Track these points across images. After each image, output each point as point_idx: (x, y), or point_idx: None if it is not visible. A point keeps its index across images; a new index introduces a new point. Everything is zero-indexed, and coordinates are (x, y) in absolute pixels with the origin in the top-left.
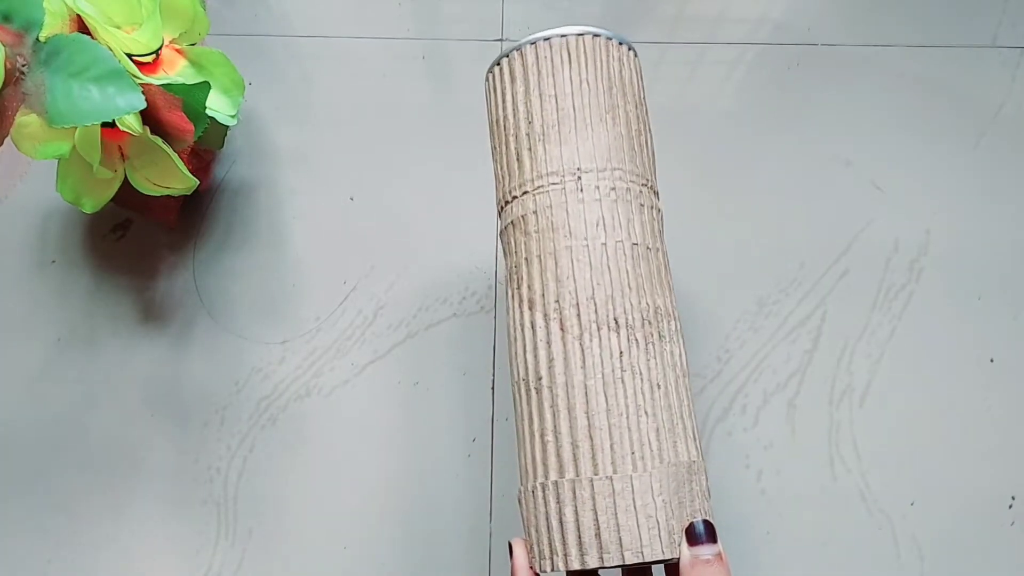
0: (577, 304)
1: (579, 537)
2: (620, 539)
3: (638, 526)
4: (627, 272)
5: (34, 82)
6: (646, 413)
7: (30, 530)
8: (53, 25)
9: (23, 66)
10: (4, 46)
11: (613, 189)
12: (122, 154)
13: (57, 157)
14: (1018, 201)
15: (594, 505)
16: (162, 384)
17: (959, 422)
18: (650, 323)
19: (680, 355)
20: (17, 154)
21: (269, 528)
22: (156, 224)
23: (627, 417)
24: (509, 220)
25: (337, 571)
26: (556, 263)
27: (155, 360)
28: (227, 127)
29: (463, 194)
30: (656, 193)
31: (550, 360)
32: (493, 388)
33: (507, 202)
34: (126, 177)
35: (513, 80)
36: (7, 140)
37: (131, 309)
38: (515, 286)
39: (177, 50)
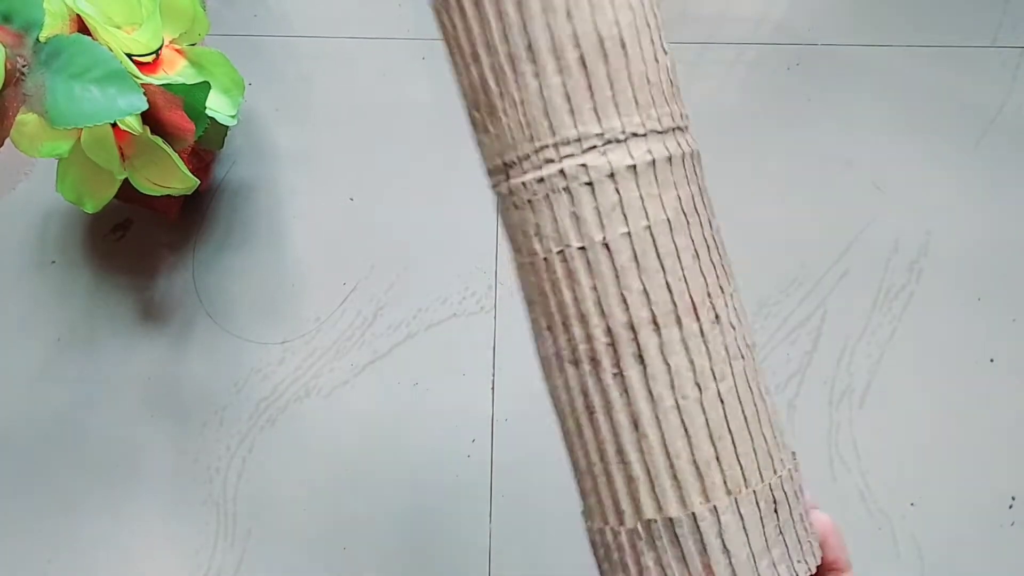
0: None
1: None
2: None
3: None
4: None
5: (35, 83)
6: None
7: (29, 529)
8: (53, 26)
9: (23, 67)
10: (4, 47)
11: (648, 151)
12: (123, 154)
13: (57, 156)
14: (1018, 201)
15: (659, 555)
16: (162, 384)
17: (959, 423)
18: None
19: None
20: (18, 154)
21: (268, 528)
22: (156, 222)
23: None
24: (514, 194)
25: (337, 572)
26: (589, 264)
27: (155, 360)
28: (227, 127)
29: (463, 194)
30: (681, 128)
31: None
32: (493, 388)
33: (509, 167)
34: (127, 176)
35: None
36: (7, 140)
37: (131, 309)
38: (539, 309)
39: (177, 50)
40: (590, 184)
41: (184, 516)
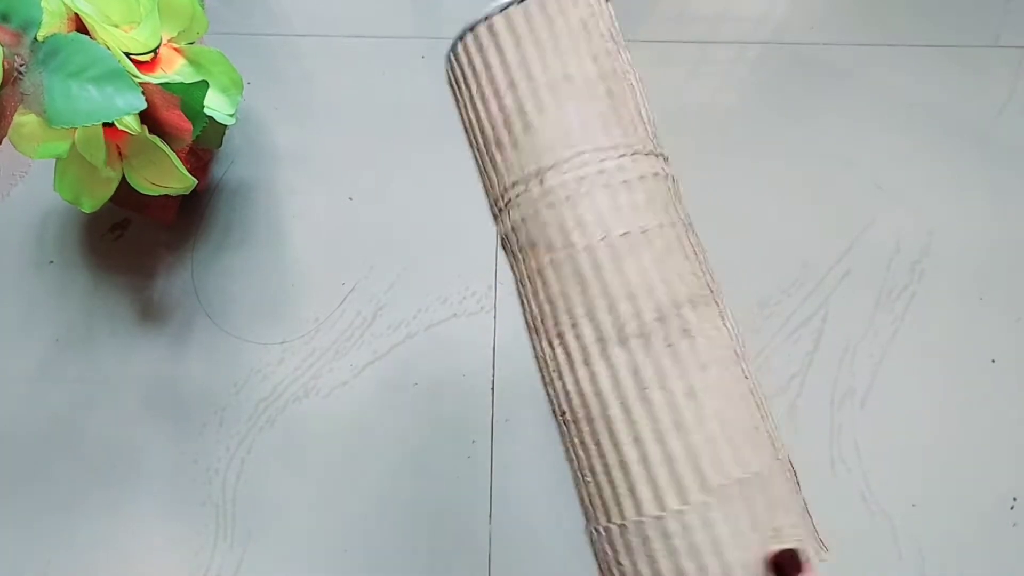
0: (580, 320)
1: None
2: None
3: (705, 569)
4: (634, 270)
5: (32, 82)
6: (682, 430)
7: (28, 530)
8: (51, 24)
9: (21, 66)
10: (2, 46)
11: (620, 169)
12: (120, 153)
13: (55, 157)
14: (1020, 202)
15: (649, 550)
16: (161, 385)
17: (961, 423)
18: (675, 317)
19: (724, 338)
20: (16, 154)
21: (268, 530)
22: (154, 223)
23: (661, 442)
24: (508, 227)
25: (337, 572)
26: (576, 270)
27: (154, 361)
28: (225, 126)
29: (463, 194)
30: (660, 156)
31: (565, 392)
32: (493, 389)
33: (500, 208)
34: (124, 176)
35: (486, 57)
36: (5, 140)
37: (129, 309)
38: (535, 310)
39: (175, 49)
40: (627, 183)
41: (183, 517)
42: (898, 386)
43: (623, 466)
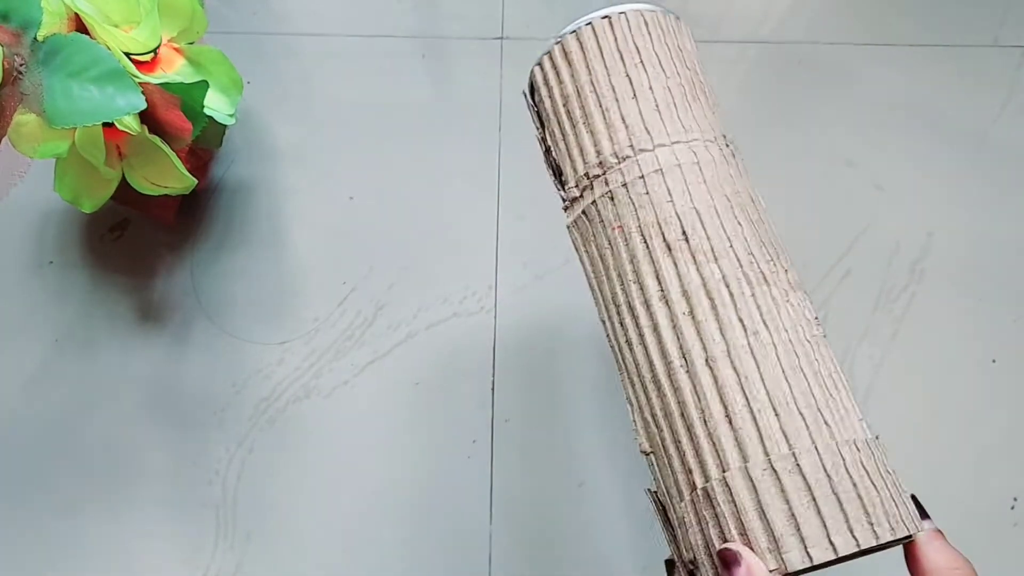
0: (719, 251)
1: (820, 517)
2: (866, 513)
3: (881, 498)
4: (753, 223)
5: (32, 82)
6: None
7: (27, 532)
8: (51, 24)
9: (21, 65)
10: (2, 45)
11: (708, 151)
12: (120, 153)
13: (55, 157)
14: (1020, 202)
15: (808, 486)
16: (160, 385)
17: (961, 423)
18: (786, 270)
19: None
20: (15, 154)
21: (268, 531)
22: (154, 223)
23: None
24: (597, 195)
25: (337, 572)
26: (679, 216)
27: (153, 361)
28: (225, 126)
29: (463, 194)
30: (730, 144)
31: (678, 343)
32: (493, 388)
33: (590, 180)
34: (124, 175)
35: (588, 56)
36: (5, 140)
37: (129, 310)
38: (623, 255)
39: (175, 48)
40: (679, 165)
41: (183, 517)
42: (898, 386)
43: (753, 409)
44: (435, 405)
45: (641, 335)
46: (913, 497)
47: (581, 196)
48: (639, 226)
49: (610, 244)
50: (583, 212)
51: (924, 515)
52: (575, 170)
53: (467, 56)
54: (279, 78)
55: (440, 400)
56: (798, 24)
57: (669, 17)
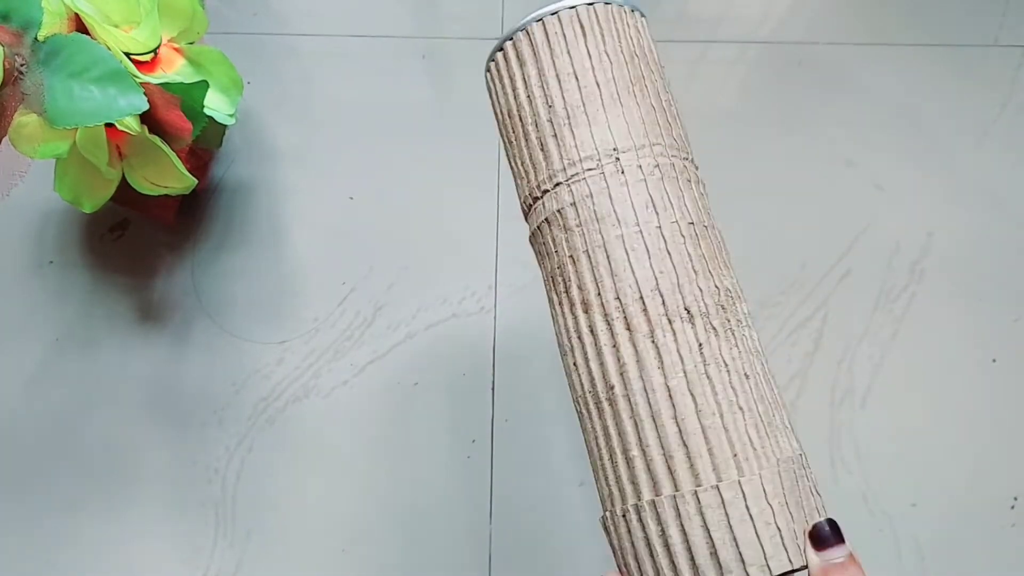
0: (642, 298)
1: (692, 560)
2: (741, 555)
3: (758, 537)
4: (689, 255)
5: (33, 82)
6: (740, 408)
7: (28, 530)
8: (52, 24)
9: (22, 66)
10: (3, 46)
11: (657, 167)
12: (120, 153)
13: (56, 157)
14: (1020, 202)
15: (703, 520)
16: (160, 385)
17: (961, 423)
18: (723, 308)
19: (757, 340)
20: (15, 154)
21: (268, 530)
22: (154, 223)
23: (720, 416)
24: (542, 218)
25: (336, 573)
26: (609, 256)
27: (153, 361)
28: (225, 126)
29: (463, 194)
30: (696, 166)
31: (621, 365)
32: (493, 388)
33: (536, 198)
34: (124, 175)
35: (523, 64)
36: (5, 140)
37: (129, 309)
38: (561, 289)
39: (175, 49)
40: (673, 179)
41: (183, 517)
42: (898, 386)
43: (684, 436)
44: (435, 405)
45: (586, 358)
46: (830, 521)
47: (534, 207)
48: (586, 250)
49: (559, 267)
50: (538, 228)
51: (839, 540)
52: (527, 184)
53: (467, 56)
54: (279, 78)
55: (440, 400)
56: (798, 25)
57: (610, 8)
